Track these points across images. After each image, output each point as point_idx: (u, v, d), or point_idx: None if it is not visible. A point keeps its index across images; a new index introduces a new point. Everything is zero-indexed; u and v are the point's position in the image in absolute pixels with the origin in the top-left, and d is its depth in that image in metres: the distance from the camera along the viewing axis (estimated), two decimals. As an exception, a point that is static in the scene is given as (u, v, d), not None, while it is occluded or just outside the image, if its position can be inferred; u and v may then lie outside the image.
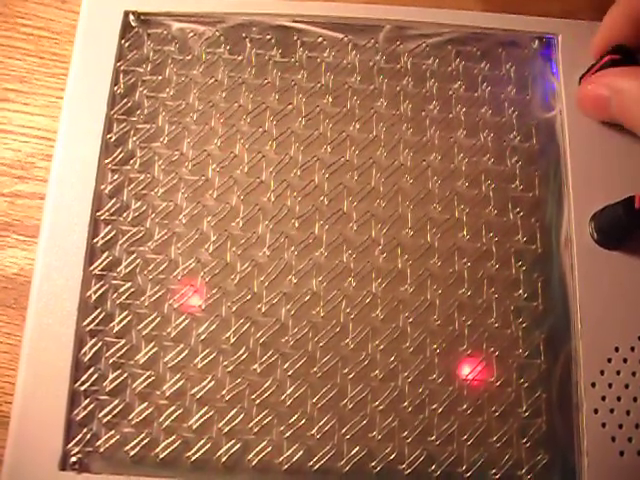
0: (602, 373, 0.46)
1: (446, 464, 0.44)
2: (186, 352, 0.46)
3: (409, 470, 0.44)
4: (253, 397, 0.45)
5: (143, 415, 0.45)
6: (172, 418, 0.45)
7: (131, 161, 0.50)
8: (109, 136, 0.50)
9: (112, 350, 0.46)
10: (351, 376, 0.46)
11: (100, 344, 0.46)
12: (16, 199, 0.54)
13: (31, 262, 0.52)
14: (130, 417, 0.45)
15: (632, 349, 0.46)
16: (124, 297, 0.47)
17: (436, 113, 0.52)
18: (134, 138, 0.50)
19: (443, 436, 0.45)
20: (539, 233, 0.49)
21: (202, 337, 0.46)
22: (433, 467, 0.44)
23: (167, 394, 0.45)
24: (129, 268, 0.47)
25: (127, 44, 0.52)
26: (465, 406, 0.45)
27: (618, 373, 0.46)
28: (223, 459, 0.44)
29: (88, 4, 0.53)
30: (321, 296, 0.47)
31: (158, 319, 0.46)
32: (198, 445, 0.44)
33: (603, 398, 0.45)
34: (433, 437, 0.45)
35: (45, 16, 0.59)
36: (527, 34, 0.53)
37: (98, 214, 0.48)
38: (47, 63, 0.58)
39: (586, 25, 0.52)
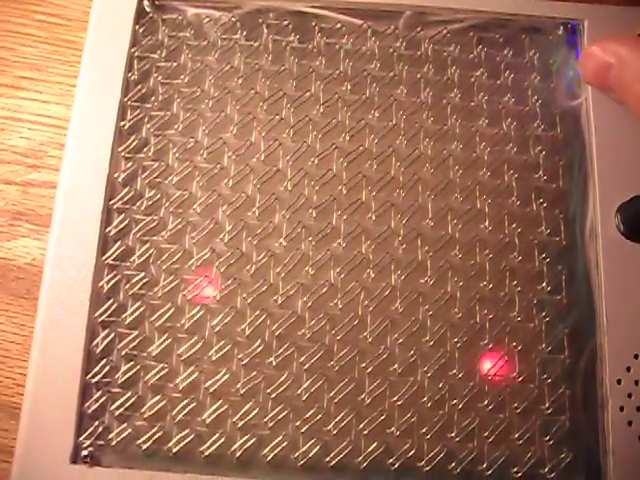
0: (628, 370, 0.44)
1: (466, 462, 0.43)
2: (200, 344, 0.45)
3: (428, 467, 0.43)
4: (268, 391, 0.44)
5: (156, 408, 0.44)
6: (185, 412, 0.44)
7: (145, 149, 0.49)
8: (123, 123, 0.49)
9: (125, 342, 0.45)
10: (369, 370, 0.44)
11: (112, 335, 0.45)
12: (29, 188, 0.53)
13: (44, 252, 0.50)
14: (142, 410, 0.44)
15: (659, 345, 0.45)
16: (137, 287, 0.46)
17: (457, 101, 0.50)
18: (148, 125, 0.49)
19: (463, 433, 0.44)
20: (563, 225, 0.48)
21: (217, 329, 0.45)
22: (453, 464, 0.43)
23: (180, 387, 0.44)
24: (142, 258, 0.46)
25: (141, 30, 0.51)
26: (486, 402, 0.44)
27: (645, 370, 0.44)
28: (237, 454, 0.43)
29: (102, -11, 0.52)
30: (339, 288, 0.46)
31: (172, 310, 0.45)
32: (212, 439, 0.43)
33: (629, 395, 0.44)
34: (453, 434, 0.44)
35: (58, 3, 0.58)
36: (551, 20, 0.52)
37: (111, 203, 0.47)
38: (60, 50, 0.57)
39: (613, 10, 0.51)
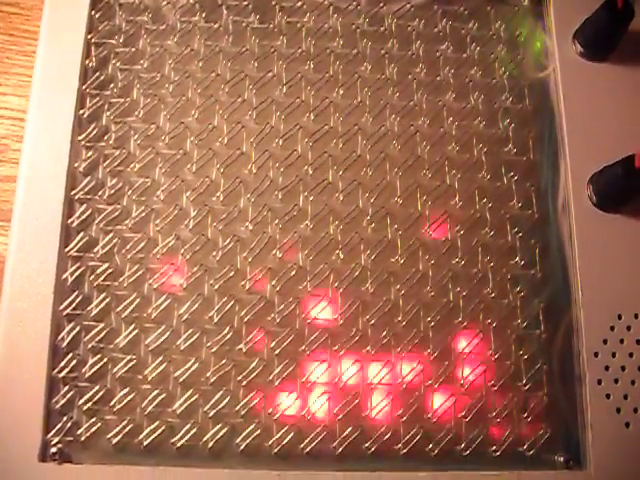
0: (605, 342, 0.44)
1: (443, 442, 0.42)
2: (168, 334, 0.44)
3: (405, 450, 0.42)
4: (239, 379, 0.43)
5: (125, 401, 0.43)
6: (155, 403, 0.43)
7: (105, 137, 0.47)
8: (82, 112, 0.48)
9: (91, 334, 0.44)
10: (342, 353, 0.44)
11: (78, 328, 0.44)
12: (-9, 183, 0.52)
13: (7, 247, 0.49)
14: (112, 403, 0.43)
15: (636, 316, 0.44)
16: (102, 278, 0.45)
17: (423, 76, 0.49)
18: (108, 113, 0.48)
19: (440, 413, 0.43)
20: (535, 198, 0.47)
21: (184, 317, 0.44)
22: (430, 446, 0.42)
23: (149, 378, 0.43)
24: (106, 248, 0.45)
25: (98, 15, 0.50)
26: (462, 381, 0.44)
27: (622, 342, 0.44)
28: (210, 444, 0.42)
29: (56, -25, 0.50)
30: (308, 270, 0.45)
31: (138, 300, 0.44)
32: (183, 430, 0.42)
33: (606, 368, 0.43)
34: (429, 415, 0.43)
35: (15, -9, 0.56)
36: (517, -10, 0.51)
37: (72, 193, 0.46)
38: (18, 41, 0.55)
39: (579, -21, 0.50)
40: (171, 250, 0.45)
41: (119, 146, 0.47)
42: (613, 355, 0.44)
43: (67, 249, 0.45)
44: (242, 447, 0.42)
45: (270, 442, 0.42)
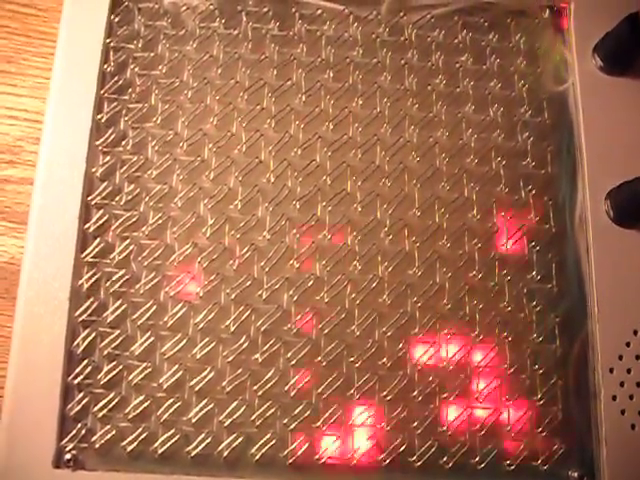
0: (620, 358, 0.44)
1: (458, 456, 0.42)
2: (184, 342, 0.44)
3: (419, 462, 0.42)
4: (255, 388, 0.43)
5: (140, 409, 0.43)
6: (170, 411, 0.43)
7: (123, 142, 0.47)
8: (99, 116, 0.47)
9: (106, 341, 0.44)
10: (357, 365, 0.44)
11: (94, 335, 0.44)
12: (5, 185, 0.52)
13: (23, 250, 0.49)
14: (126, 411, 0.43)
15: (652, 332, 0.44)
16: (118, 285, 0.45)
17: (443, 87, 0.49)
18: (126, 118, 0.48)
19: (455, 426, 0.43)
20: (552, 212, 0.47)
21: (200, 326, 0.44)
22: (445, 459, 0.42)
23: (165, 386, 0.43)
24: (123, 254, 0.45)
25: (117, 19, 0.50)
26: (478, 394, 0.43)
27: (637, 358, 0.44)
28: (225, 454, 0.42)
29: (75, -22, 0.50)
30: (325, 281, 0.45)
31: (154, 308, 0.44)
32: (198, 439, 0.42)
33: (622, 384, 0.43)
34: (444, 428, 0.43)
35: (31, -8, 0.56)
36: (537, 3, 0.51)
37: (89, 198, 0.46)
38: (34, 42, 0.55)
39: (599, -7, 0.50)
40: (188, 258, 0.45)
41: (136, 152, 0.47)
42: (628, 371, 0.44)
43: (83, 255, 0.45)
44: (257, 457, 0.42)
45: (285, 452, 0.42)
